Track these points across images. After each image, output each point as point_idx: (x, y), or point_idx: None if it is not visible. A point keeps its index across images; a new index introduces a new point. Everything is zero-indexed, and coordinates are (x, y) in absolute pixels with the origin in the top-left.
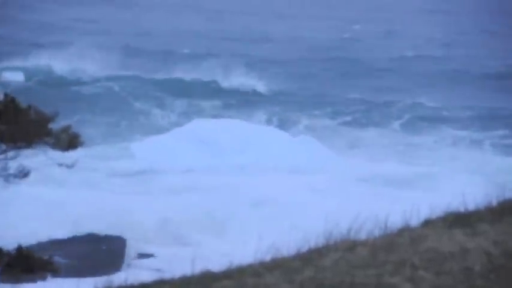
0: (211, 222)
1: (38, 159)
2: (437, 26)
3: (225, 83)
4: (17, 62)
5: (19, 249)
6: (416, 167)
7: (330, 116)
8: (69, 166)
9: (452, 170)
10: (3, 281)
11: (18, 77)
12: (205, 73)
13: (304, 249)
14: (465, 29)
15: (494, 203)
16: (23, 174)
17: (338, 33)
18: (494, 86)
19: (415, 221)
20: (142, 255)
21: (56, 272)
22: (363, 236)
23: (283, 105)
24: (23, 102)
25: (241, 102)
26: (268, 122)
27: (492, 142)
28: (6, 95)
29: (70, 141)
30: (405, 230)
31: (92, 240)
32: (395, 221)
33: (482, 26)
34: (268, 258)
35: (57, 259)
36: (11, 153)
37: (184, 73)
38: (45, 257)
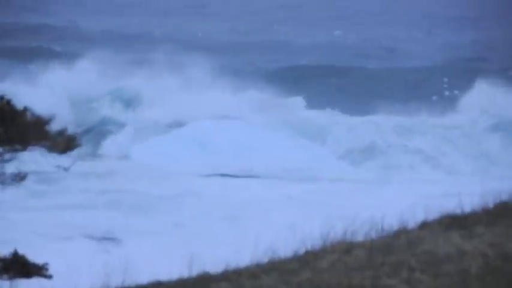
0: (209, 225)
1: (34, 161)
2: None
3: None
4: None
5: (15, 254)
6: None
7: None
8: (66, 169)
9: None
10: None
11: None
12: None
13: (301, 251)
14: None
15: (491, 205)
16: (20, 177)
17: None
18: None
19: (412, 223)
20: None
21: (50, 277)
22: (359, 238)
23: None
24: None
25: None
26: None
27: None
28: (1, 97)
29: (66, 144)
30: (402, 232)
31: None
32: (392, 223)
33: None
34: (265, 260)
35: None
36: (7, 156)
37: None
38: (40, 263)
